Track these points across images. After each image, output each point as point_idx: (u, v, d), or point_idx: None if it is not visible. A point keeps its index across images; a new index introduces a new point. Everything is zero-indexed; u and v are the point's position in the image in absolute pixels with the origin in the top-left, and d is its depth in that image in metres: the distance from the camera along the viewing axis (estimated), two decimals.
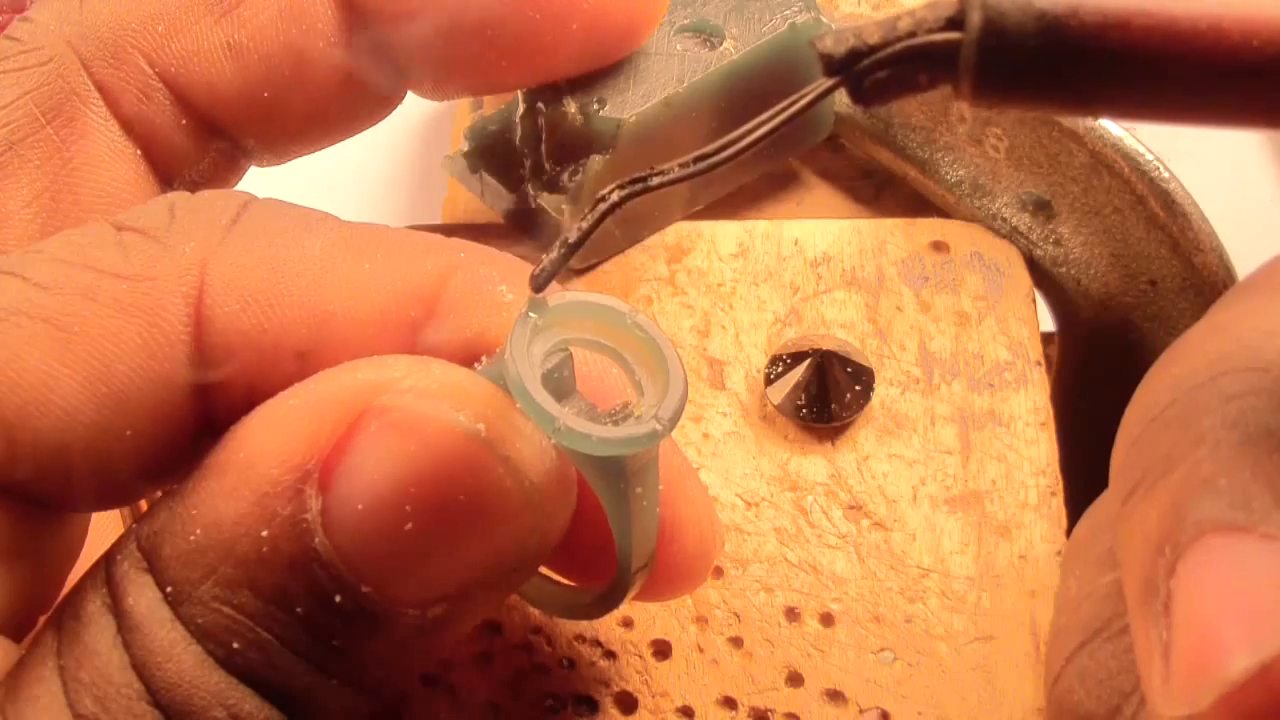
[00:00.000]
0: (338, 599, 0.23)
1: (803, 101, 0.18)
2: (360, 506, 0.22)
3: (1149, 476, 0.23)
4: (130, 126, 0.31)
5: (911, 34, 0.18)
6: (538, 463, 0.24)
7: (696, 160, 0.19)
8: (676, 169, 0.19)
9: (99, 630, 0.23)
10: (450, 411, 0.23)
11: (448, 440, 0.23)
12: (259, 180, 0.34)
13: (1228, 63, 0.18)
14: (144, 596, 0.23)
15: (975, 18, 0.17)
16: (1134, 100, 0.18)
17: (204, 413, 0.25)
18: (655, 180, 0.19)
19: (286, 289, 0.25)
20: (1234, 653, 0.20)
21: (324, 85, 0.32)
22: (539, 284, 0.23)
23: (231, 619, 0.23)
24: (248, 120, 0.32)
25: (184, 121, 0.31)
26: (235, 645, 0.23)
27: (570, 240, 0.21)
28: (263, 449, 0.23)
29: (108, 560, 0.24)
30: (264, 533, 0.22)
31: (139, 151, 0.31)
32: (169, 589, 0.23)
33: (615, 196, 0.20)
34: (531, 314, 0.24)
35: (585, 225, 0.20)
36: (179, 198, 0.26)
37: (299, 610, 0.23)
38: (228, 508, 0.23)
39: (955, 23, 0.18)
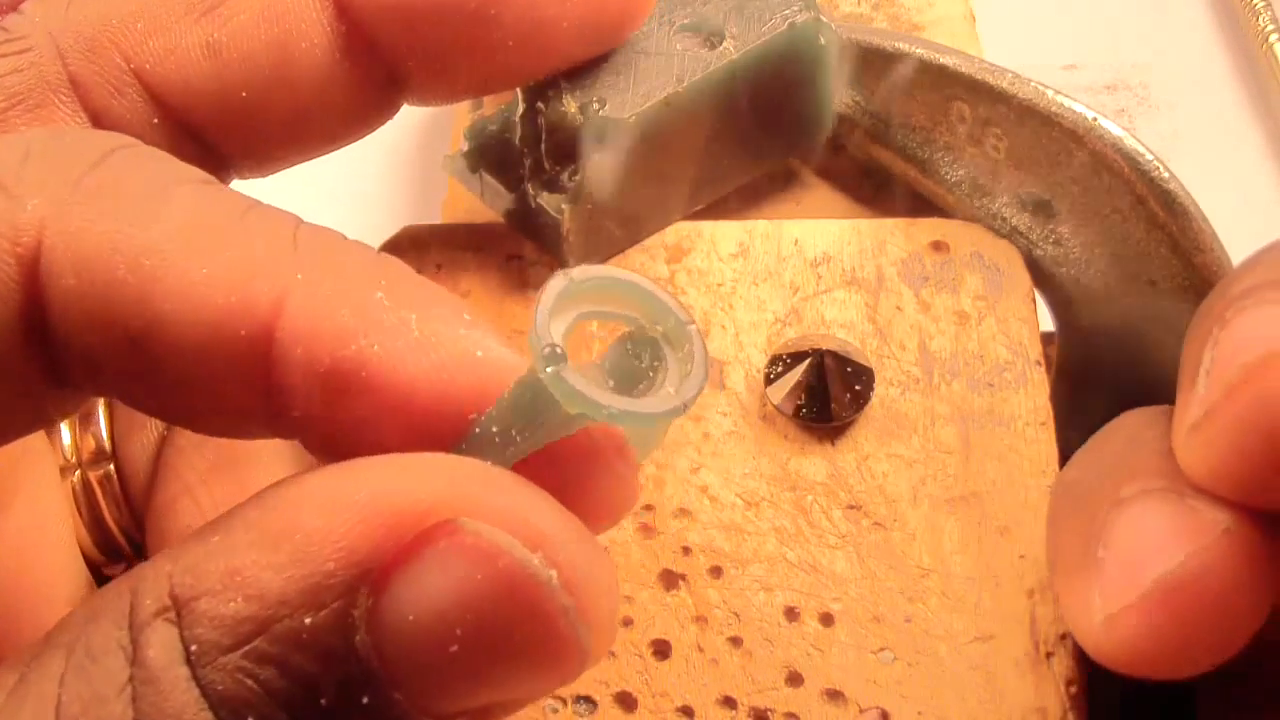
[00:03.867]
0: (365, 700, 0.22)
1: None
2: (411, 618, 0.22)
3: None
4: (99, 120, 0.30)
5: None
6: (606, 617, 0.23)
7: None
8: None
9: (108, 677, 0.22)
10: (524, 550, 0.22)
11: (515, 579, 0.22)
12: (257, 181, 0.33)
13: None
14: (165, 651, 0.22)
15: None
16: None
17: (46, 365, 0.25)
18: None
19: (121, 276, 0.24)
20: None
21: (307, 89, 0.31)
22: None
23: (253, 693, 0.22)
24: (225, 122, 0.31)
25: (156, 120, 0.31)
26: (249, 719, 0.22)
27: None
28: (324, 537, 0.22)
29: (134, 594, 0.23)
30: (308, 620, 0.22)
31: None
32: (194, 647, 0.22)
33: None
34: (556, 337, 0.23)
35: None
36: (38, 138, 0.25)
37: (323, 701, 0.22)
38: (274, 583, 0.22)
39: None
